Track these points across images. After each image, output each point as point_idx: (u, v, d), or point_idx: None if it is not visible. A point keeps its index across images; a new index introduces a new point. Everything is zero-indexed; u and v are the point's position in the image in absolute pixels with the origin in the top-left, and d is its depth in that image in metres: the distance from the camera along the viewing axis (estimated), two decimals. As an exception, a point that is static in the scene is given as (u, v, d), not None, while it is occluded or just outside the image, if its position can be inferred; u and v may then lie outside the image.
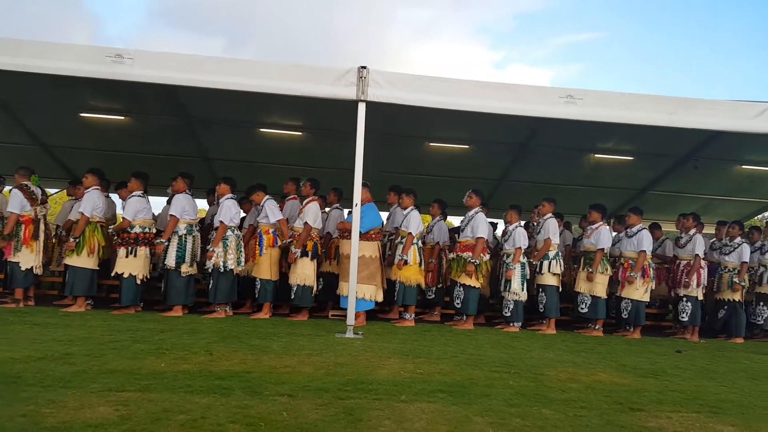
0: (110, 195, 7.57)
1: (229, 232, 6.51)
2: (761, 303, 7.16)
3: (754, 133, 6.08)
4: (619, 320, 7.12)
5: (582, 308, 6.96)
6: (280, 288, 6.76)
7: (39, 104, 7.96)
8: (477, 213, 6.80)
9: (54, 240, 7.49)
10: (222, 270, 6.39)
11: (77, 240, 6.40)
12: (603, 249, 6.87)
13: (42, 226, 6.62)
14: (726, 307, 7.15)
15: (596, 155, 9.01)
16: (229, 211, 6.53)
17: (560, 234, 7.56)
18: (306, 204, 6.76)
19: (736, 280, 7.04)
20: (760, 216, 12.77)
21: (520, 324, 6.81)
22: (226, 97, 6.53)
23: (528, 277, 6.87)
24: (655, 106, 5.94)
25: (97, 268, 6.59)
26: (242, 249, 6.60)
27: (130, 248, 6.40)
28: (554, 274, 6.88)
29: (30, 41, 5.82)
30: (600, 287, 6.86)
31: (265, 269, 6.58)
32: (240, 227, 6.98)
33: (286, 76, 5.78)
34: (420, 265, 6.79)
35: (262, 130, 8.94)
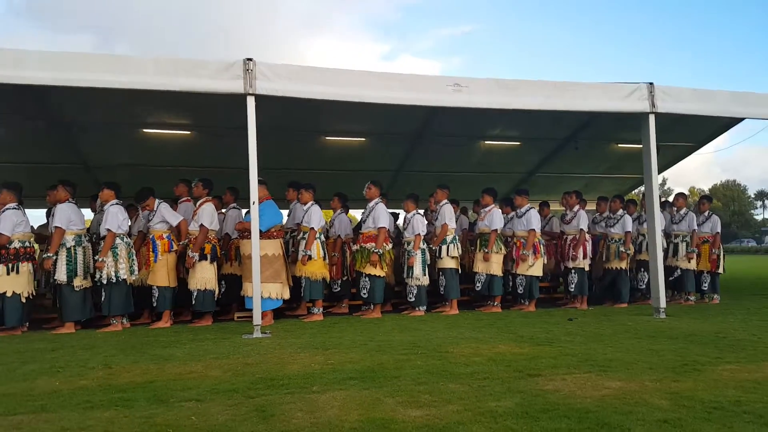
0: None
1: (118, 240, 6.15)
2: (642, 269, 7.88)
3: (624, 113, 6.64)
4: (515, 296, 7.54)
5: (478, 287, 7.30)
6: (179, 294, 6.49)
7: None
8: (377, 204, 6.90)
9: None
10: (114, 281, 6.04)
11: None
12: (496, 230, 7.23)
13: None
14: (615, 275, 7.76)
15: (486, 142, 9.50)
16: (116, 218, 6.17)
17: (457, 219, 7.87)
18: (200, 205, 6.54)
19: (622, 249, 7.68)
20: (636, 191, 14.08)
21: (424, 308, 7.02)
22: (103, 97, 6.11)
23: (429, 262, 7.08)
24: (534, 91, 6.35)
25: None
26: (134, 257, 6.27)
27: (10, 265, 5.94)
28: (453, 258, 7.15)
29: None
30: (495, 266, 7.24)
31: (162, 276, 6.30)
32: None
33: (164, 71, 5.42)
34: (324, 259, 6.78)
35: (146, 130, 8.47)
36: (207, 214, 6.43)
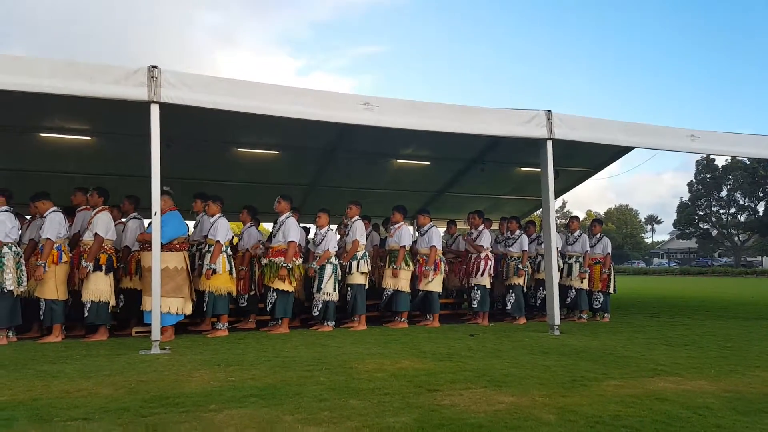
0: None
1: (5, 249, 5.74)
2: (540, 287, 8.32)
3: (525, 138, 7.02)
4: (422, 311, 7.71)
5: (384, 301, 7.42)
6: (72, 307, 6.15)
7: None
8: (288, 218, 6.84)
9: None
10: (0, 292, 5.64)
11: None
12: (405, 246, 7.39)
13: None
14: (513, 292, 8.14)
15: (398, 160, 9.70)
16: (4, 225, 5.77)
17: (368, 235, 7.96)
18: (95, 214, 6.23)
19: (520, 266, 8.07)
20: (537, 212, 14.87)
21: (333, 323, 7.01)
22: None
23: (339, 277, 7.10)
24: (442, 113, 6.56)
25: None
26: (23, 267, 5.87)
27: None
28: (362, 273, 7.21)
29: None
30: (403, 282, 7.38)
31: (50, 288, 5.93)
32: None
33: (62, 75, 5.17)
34: (230, 273, 6.61)
35: (42, 134, 7.93)
36: (102, 223, 6.15)
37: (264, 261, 6.92)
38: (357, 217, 7.40)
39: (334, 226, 7.66)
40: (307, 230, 8.14)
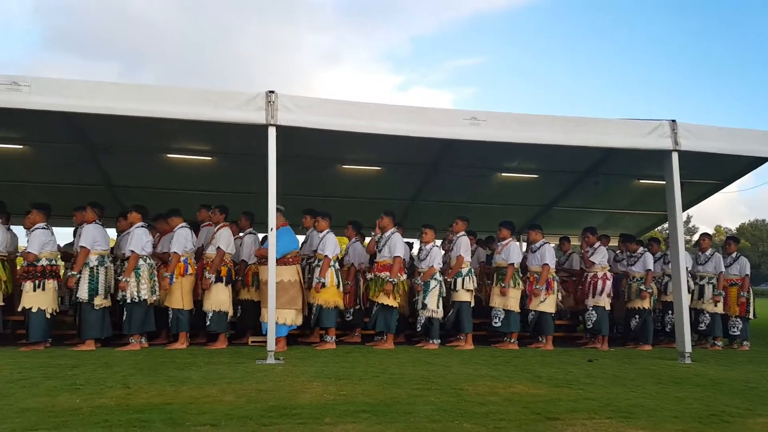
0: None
1: (141, 261, 6.32)
2: (670, 312, 7.68)
3: (646, 150, 6.57)
4: (533, 333, 7.38)
5: (496, 322, 7.16)
6: (196, 317, 6.59)
7: None
8: (393, 233, 6.85)
9: None
10: (135, 300, 6.20)
11: None
12: (513, 264, 7.12)
13: None
14: (638, 315, 7.54)
15: (502, 174, 9.42)
16: (140, 239, 6.35)
17: (473, 251, 7.77)
18: (218, 230, 6.67)
19: (642, 287, 7.49)
20: (659, 228, 13.83)
21: (438, 341, 6.89)
22: (129, 122, 6.30)
23: (444, 294, 6.98)
24: (553, 126, 6.31)
25: (2, 303, 6.32)
26: (156, 278, 6.42)
27: (37, 282, 6.11)
28: (468, 290, 7.04)
29: None
30: (513, 301, 7.10)
31: (177, 298, 6.40)
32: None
33: (191, 102, 5.67)
34: (338, 287, 6.74)
35: (169, 155, 8.61)
36: (224, 238, 6.59)
37: (369, 276, 6.98)
38: (462, 232, 7.26)
39: (438, 242, 7.56)
40: (410, 245, 8.12)
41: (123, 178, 9.04)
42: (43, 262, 6.17)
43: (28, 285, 6.09)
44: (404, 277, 6.87)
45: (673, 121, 6.45)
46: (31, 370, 4.81)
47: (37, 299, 6.08)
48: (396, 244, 6.74)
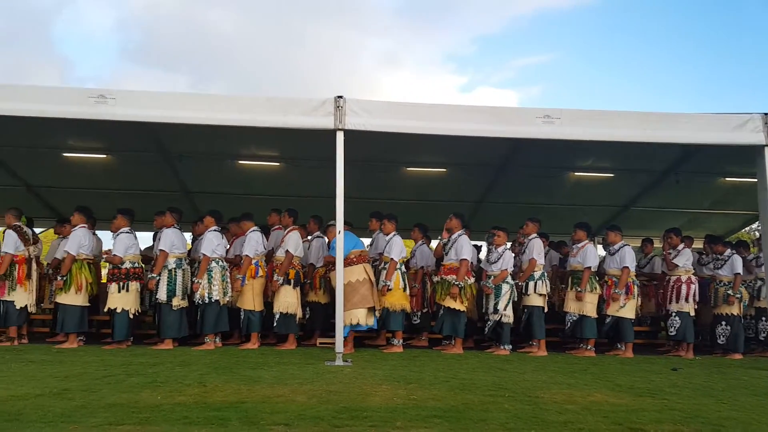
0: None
1: (213, 264, 6.52)
2: (763, 318, 7.10)
3: (734, 146, 6.13)
4: (611, 339, 7.03)
5: (570, 328, 6.87)
6: (266, 318, 6.75)
7: (22, 146, 8.03)
8: (460, 236, 6.72)
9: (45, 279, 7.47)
10: (208, 301, 6.41)
11: (65, 278, 6.43)
12: (590, 267, 6.82)
13: (34, 266, 6.79)
14: (725, 322, 7.04)
15: (575, 173, 9.06)
16: (211, 243, 6.57)
17: (546, 254, 7.51)
18: (287, 233, 6.79)
19: (730, 292, 6.99)
20: (747, 228, 12.86)
21: (510, 347, 6.70)
22: (202, 131, 6.61)
23: (515, 298, 6.79)
24: (631, 122, 6.01)
25: (88, 304, 6.65)
26: (228, 280, 6.61)
27: (121, 283, 6.46)
28: (540, 295, 6.80)
29: (14, 85, 5.93)
30: (589, 306, 6.79)
31: (248, 300, 6.56)
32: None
33: (263, 109, 5.84)
34: (405, 290, 6.70)
35: (240, 162, 8.88)
36: (292, 241, 6.71)
37: (436, 279, 6.89)
38: (534, 234, 7.03)
39: (508, 244, 7.35)
40: (478, 248, 7.95)
41: (198, 184, 9.39)
42: (127, 264, 6.53)
43: (113, 287, 6.45)
44: (472, 280, 6.73)
45: (766, 114, 5.98)
46: (115, 367, 5.05)
47: (122, 300, 6.43)
48: (463, 247, 6.60)
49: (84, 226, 6.72)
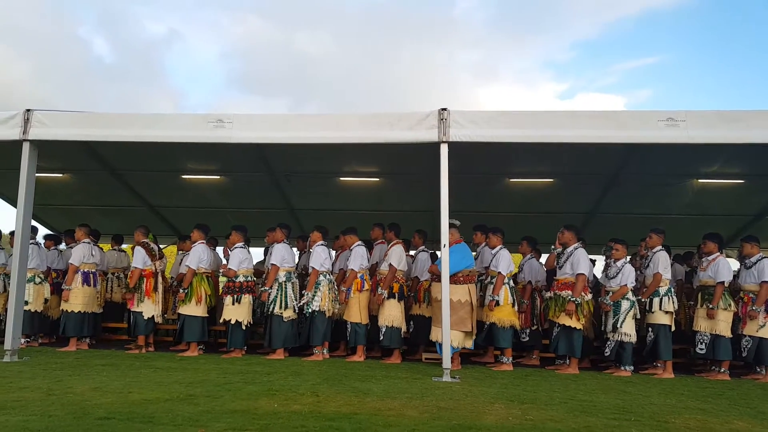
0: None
1: (321, 277, 6.68)
2: None
3: None
4: (748, 362, 6.33)
5: (701, 348, 6.27)
6: (371, 331, 6.81)
7: (145, 170, 8.73)
8: (576, 249, 6.36)
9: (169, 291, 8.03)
10: (316, 313, 6.56)
11: (186, 291, 6.88)
12: (723, 282, 6.21)
13: (160, 279, 7.24)
14: None
15: (699, 180, 8.33)
16: (319, 257, 6.74)
17: (671, 267, 6.94)
18: (390, 247, 6.85)
19: None
20: None
21: (631, 368, 6.22)
22: (306, 150, 6.82)
23: (638, 316, 6.31)
24: (768, 122, 5.42)
25: (207, 315, 7.05)
26: (335, 292, 6.76)
27: (235, 296, 6.79)
28: (667, 312, 6.26)
29: (139, 114, 6.42)
30: (723, 325, 6.16)
31: (355, 313, 6.65)
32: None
33: (367, 126, 5.94)
34: (513, 305, 6.46)
35: (342, 179, 9.08)
36: (396, 255, 6.75)
37: (548, 294, 6.57)
38: (659, 247, 6.52)
39: (628, 257, 6.84)
40: (593, 262, 7.51)
41: (302, 201, 9.70)
42: (240, 278, 6.84)
43: (228, 299, 6.80)
44: (589, 296, 6.33)
45: None
46: (233, 375, 5.29)
47: (236, 312, 6.75)
48: (579, 260, 6.24)
49: (203, 242, 7.18)
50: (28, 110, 6.08)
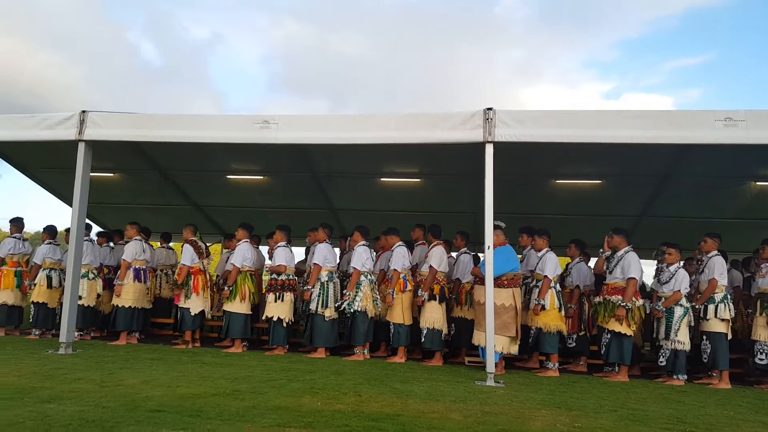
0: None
1: (362, 277, 6.69)
2: None
3: None
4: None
5: (761, 359, 5.98)
6: (412, 332, 6.76)
7: (192, 170, 8.95)
8: (627, 252, 6.16)
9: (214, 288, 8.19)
10: (357, 313, 6.57)
11: (231, 288, 7.03)
12: (785, 289, 5.90)
13: (207, 276, 7.37)
14: None
15: (758, 183, 7.95)
16: (361, 257, 6.75)
17: (728, 273, 6.65)
18: (431, 248, 6.80)
19: None
20: None
21: (685, 377, 5.98)
22: (347, 150, 6.82)
23: (692, 323, 6.07)
24: None
25: (250, 312, 7.17)
26: (376, 293, 6.77)
27: (278, 294, 6.88)
28: (723, 320, 6.00)
29: (187, 115, 6.50)
30: (784, 334, 5.86)
31: (398, 314, 6.62)
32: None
33: (411, 126, 5.88)
34: (560, 310, 6.30)
35: (382, 179, 9.07)
36: (436, 257, 6.70)
37: (597, 299, 6.38)
38: (715, 252, 6.25)
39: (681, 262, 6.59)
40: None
41: (343, 201, 9.75)
42: (283, 276, 6.92)
43: (270, 297, 6.90)
44: (640, 302, 6.12)
45: None
46: (276, 372, 5.34)
47: (278, 309, 6.84)
48: (631, 264, 6.03)
49: (247, 241, 7.30)
50: (84, 111, 6.31)
